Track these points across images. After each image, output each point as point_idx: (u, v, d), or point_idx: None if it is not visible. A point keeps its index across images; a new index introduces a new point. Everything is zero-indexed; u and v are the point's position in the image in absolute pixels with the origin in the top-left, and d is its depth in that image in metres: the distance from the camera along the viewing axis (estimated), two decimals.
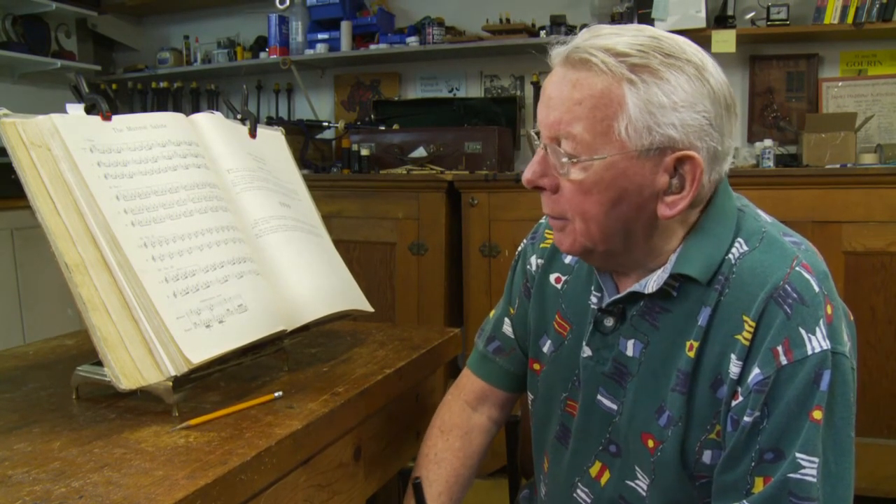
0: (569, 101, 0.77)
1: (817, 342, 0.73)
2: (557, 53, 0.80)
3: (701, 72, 0.76)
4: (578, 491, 0.93)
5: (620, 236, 0.81)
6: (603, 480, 0.91)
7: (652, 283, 0.83)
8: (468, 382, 1.10)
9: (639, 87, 0.75)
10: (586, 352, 0.90)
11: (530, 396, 1.03)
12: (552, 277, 0.99)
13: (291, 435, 0.80)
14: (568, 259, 0.98)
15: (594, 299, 0.91)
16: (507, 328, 1.06)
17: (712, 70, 0.78)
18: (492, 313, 1.11)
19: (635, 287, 0.84)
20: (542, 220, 1.03)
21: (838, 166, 2.31)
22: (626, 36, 0.77)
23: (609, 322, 0.88)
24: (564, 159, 0.78)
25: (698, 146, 0.76)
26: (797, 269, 0.77)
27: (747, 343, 0.76)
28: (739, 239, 0.81)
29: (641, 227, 0.80)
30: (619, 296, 0.87)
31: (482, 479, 2.57)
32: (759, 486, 0.74)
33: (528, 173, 0.83)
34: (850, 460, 0.74)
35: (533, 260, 1.02)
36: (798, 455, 0.72)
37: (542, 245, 1.01)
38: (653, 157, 0.76)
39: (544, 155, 0.81)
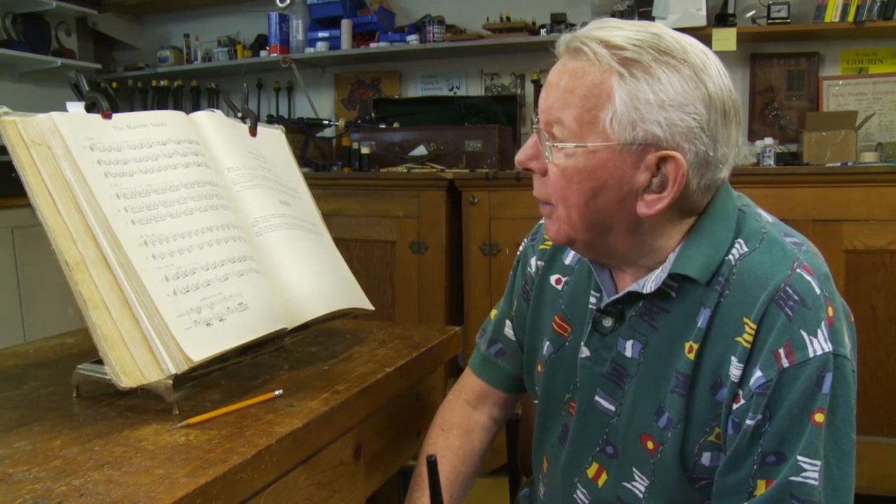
0: (563, 88, 0.78)
1: (819, 344, 0.73)
2: (560, 41, 0.81)
3: (698, 74, 0.75)
4: (578, 492, 0.93)
5: (601, 228, 0.81)
6: (600, 482, 0.90)
7: (650, 282, 0.82)
8: (469, 382, 1.10)
9: (627, 81, 0.75)
10: (584, 352, 0.90)
11: (534, 398, 1.02)
12: (552, 279, 0.99)
13: (292, 433, 0.80)
14: (568, 260, 0.98)
15: (593, 300, 0.91)
16: (509, 330, 1.07)
17: (714, 74, 0.76)
18: (492, 313, 1.11)
19: (633, 287, 0.84)
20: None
21: (839, 165, 2.31)
22: (628, 30, 0.77)
23: (608, 322, 0.88)
24: (549, 143, 0.80)
25: (685, 148, 0.75)
26: (798, 270, 0.76)
27: (748, 345, 0.75)
28: (739, 240, 0.81)
29: (622, 222, 0.80)
30: (617, 296, 0.86)
31: (482, 477, 2.57)
32: (761, 488, 0.74)
33: (520, 154, 0.85)
34: (851, 463, 0.74)
35: (533, 262, 1.02)
36: (800, 458, 0.72)
37: (541, 247, 1.01)
38: (635, 152, 0.76)
39: (536, 138, 0.83)
